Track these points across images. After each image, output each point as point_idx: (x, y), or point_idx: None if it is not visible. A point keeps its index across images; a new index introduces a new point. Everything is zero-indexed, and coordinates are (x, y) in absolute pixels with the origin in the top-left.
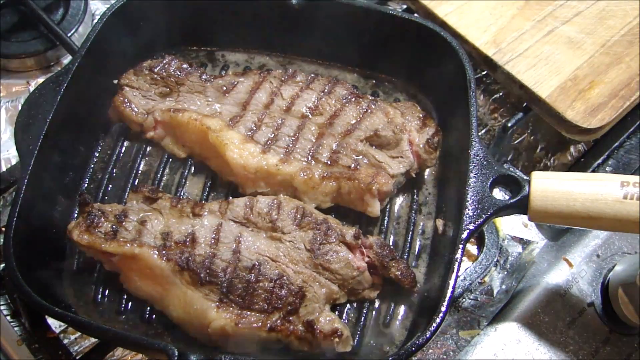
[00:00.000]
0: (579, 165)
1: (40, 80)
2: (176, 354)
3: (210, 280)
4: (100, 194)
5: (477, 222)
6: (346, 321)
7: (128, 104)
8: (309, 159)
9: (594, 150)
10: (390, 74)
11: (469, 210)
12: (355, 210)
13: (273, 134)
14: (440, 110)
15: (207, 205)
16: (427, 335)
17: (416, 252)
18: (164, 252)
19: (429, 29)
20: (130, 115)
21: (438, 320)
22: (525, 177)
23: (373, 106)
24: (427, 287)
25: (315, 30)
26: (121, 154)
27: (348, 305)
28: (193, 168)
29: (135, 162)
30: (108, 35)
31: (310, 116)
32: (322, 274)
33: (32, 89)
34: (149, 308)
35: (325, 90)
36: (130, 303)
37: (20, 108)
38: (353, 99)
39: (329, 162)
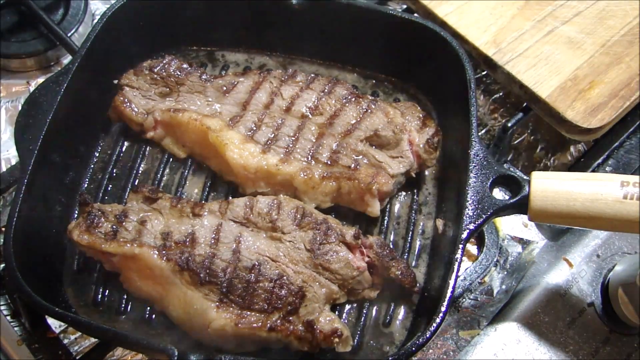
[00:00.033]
0: (579, 165)
1: (40, 80)
2: (176, 354)
3: (210, 280)
4: (100, 194)
5: (477, 222)
6: (346, 321)
7: (128, 104)
8: (309, 159)
9: (594, 150)
10: (390, 74)
11: (469, 210)
12: (355, 210)
13: (273, 134)
14: (440, 110)
15: (207, 205)
16: (427, 335)
17: (416, 252)
18: (164, 252)
19: (429, 29)
20: (130, 115)
21: (438, 320)
22: (525, 177)
23: (373, 106)
24: (427, 287)
25: (315, 30)
26: (121, 154)
27: (348, 305)
28: (193, 168)
29: (135, 162)
30: (108, 35)
31: (310, 116)
32: (322, 274)
33: (32, 89)
34: (149, 308)
35: (325, 90)
36: (130, 303)
37: (20, 108)
38: (353, 99)
39: (329, 162)
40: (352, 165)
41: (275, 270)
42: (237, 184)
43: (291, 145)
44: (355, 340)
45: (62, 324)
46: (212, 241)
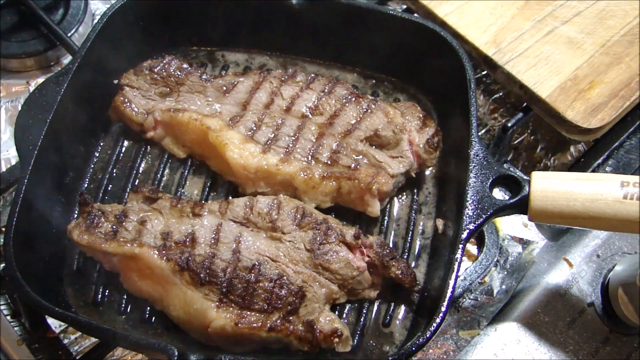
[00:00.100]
0: (579, 165)
1: (40, 80)
2: (176, 354)
3: (210, 280)
4: (100, 194)
5: (477, 222)
6: (346, 321)
7: (128, 104)
8: (309, 158)
9: (594, 150)
10: (390, 74)
11: (469, 210)
12: (355, 210)
13: (273, 134)
14: (440, 111)
15: (207, 205)
16: (427, 335)
17: (416, 252)
18: (164, 252)
19: (429, 29)
20: (130, 115)
21: (438, 320)
22: (525, 177)
23: (373, 106)
24: (427, 287)
25: (315, 30)
26: (121, 154)
27: (348, 305)
28: (193, 168)
29: (135, 162)
30: (108, 35)
31: (310, 116)
32: (322, 274)
33: (32, 89)
34: (149, 308)
35: (325, 90)
36: (130, 303)
37: (20, 108)
38: (353, 99)
39: (329, 162)
40: (352, 165)
41: (275, 270)
42: (237, 184)
43: (291, 145)
44: (355, 340)
45: (62, 324)
46: (212, 241)
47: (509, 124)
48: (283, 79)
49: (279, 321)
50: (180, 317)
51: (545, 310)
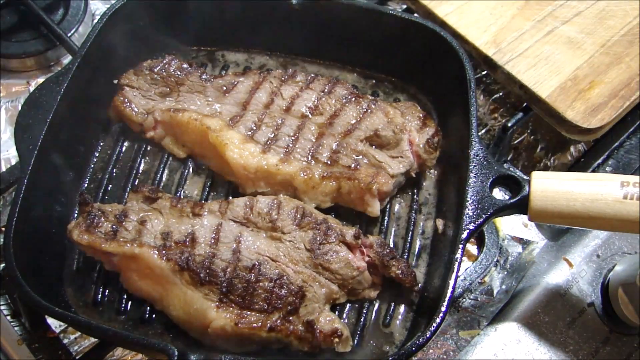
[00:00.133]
0: (579, 165)
1: (40, 80)
2: (176, 354)
3: (210, 280)
4: (100, 194)
5: (477, 222)
6: (346, 321)
7: (128, 104)
8: (309, 158)
9: (594, 150)
10: (390, 74)
11: (469, 210)
12: (355, 210)
13: (273, 134)
14: (440, 110)
15: (207, 205)
16: (427, 335)
17: (416, 252)
18: (164, 252)
19: (428, 29)
20: (130, 115)
21: (438, 320)
22: (525, 177)
23: (373, 106)
24: (427, 287)
25: (316, 30)
26: (121, 154)
27: (348, 305)
28: (193, 168)
29: (135, 162)
30: (108, 35)
31: (310, 116)
32: (322, 274)
33: (32, 89)
34: (149, 308)
35: (325, 90)
36: (130, 303)
37: (20, 108)
38: (353, 99)
39: (329, 162)
40: (352, 165)
41: (275, 270)
42: (237, 184)
43: (291, 145)
44: (355, 340)
45: (62, 324)
46: (212, 241)
47: (509, 124)
48: (283, 79)
49: (279, 321)
50: (180, 317)
51: (545, 310)
